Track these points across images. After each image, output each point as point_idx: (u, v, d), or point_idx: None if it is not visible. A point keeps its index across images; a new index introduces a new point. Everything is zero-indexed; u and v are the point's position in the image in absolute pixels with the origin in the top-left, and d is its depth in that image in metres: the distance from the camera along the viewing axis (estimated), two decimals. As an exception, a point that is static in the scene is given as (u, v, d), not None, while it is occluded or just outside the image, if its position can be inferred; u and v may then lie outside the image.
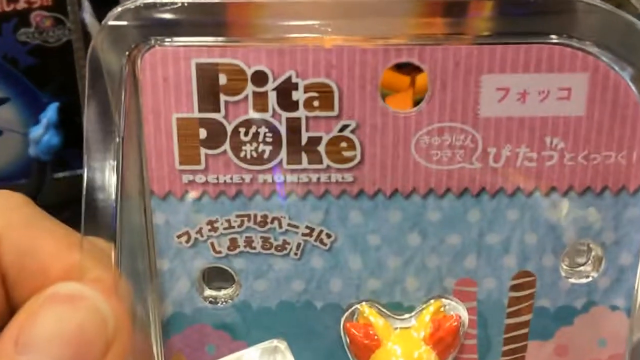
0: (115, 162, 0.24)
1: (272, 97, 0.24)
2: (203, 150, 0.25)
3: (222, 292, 0.27)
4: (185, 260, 0.26)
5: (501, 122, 0.24)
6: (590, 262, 0.27)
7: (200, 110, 0.24)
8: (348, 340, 0.26)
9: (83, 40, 0.53)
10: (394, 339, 0.26)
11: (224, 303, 0.27)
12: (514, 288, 0.26)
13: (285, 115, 0.24)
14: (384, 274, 0.26)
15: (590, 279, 0.26)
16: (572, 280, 0.26)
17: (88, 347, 0.21)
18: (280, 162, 0.25)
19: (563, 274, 0.26)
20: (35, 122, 0.52)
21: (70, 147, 0.53)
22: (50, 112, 0.52)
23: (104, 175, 0.24)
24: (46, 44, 0.51)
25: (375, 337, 0.26)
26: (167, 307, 0.27)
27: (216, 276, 0.27)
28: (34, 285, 0.22)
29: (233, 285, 0.27)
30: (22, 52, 0.51)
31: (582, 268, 0.27)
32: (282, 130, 0.24)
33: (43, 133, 0.51)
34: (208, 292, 0.27)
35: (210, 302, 0.27)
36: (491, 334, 0.27)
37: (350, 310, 0.26)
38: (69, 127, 0.53)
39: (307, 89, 0.24)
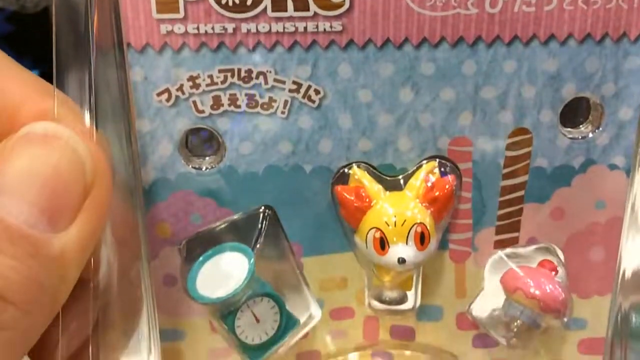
0: (86, 13, 0.23)
1: None
2: (182, -3, 0.23)
3: (207, 158, 0.25)
4: (166, 120, 0.24)
5: (498, -38, 0.23)
6: (589, 119, 0.26)
7: (177, -49, 0.22)
8: (339, 204, 0.25)
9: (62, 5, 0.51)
10: (386, 199, 0.25)
11: (209, 168, 0.25)
12: (510, 147, 0.25)
13: (268, -45, 0.23)
14: (375, 134, 0.24)
15: (589, 135, 0.25)
16: (570, 138, 0.25)
17: (65, 190, 0.20)
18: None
19: (561, 130, 0.25)
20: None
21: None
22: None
23: (75, 28, 0.23)
24: (24, 10, 0.48)
25: (367, 200, 0.25)
26: (149, 173, 0.25)
27: (200, 143, 0.26)
28: (0, 129, 0.21)
29: (218, 150, 0.25)
30: (-1, 18, 0.48)
31: (580, 127, 0.26)
32: (266, -27, 0.23)
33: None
34: (192, 156, 0.25)
35: (195, 167, 0.25)
36: (486, 197, 0.26)
37: (340, 173, 0.25)
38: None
39: None
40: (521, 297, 0.25)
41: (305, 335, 0.27)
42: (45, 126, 0.20)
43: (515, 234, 0.26)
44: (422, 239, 0.24)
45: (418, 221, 0.24)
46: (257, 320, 0.25)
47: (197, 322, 0.27)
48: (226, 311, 0.24)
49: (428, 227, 0.24)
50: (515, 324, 0.25)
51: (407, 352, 0.27)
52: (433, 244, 0.24)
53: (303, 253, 0.26)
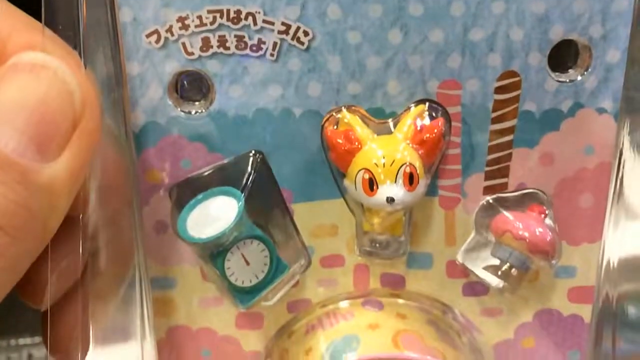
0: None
1: None
2: None
3: (197, 103, 0.25)
4: (155, 63, 0.24)
5: None
6: (577, 63, 0.26)
7: None
8: (328, 148, 0.25)
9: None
10: (375, 141, 0.24)
11: (199, 112, 0.25)
12: (499, 90, 0.25)
13: None
14: (365, 77, 0.24)
15: (577, 78, 0.25)
16: (559, 81, 0.25)
17: (53, 120, 0.20)
18: None
19: (549, 73, 0.25)
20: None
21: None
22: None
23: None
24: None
25: (356, 143, 0.25)
26: (139, 117, 0.25)
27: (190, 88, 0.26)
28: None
29: (208, 94, 0.25)
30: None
31: (569, 71, 0.26)
32: None
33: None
34: (181, 100, 0.25)
35: (184, 111, 0.25)
36: (475, 142, 0.25)
37: (329, 116, 0.25)
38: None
39: None
40: (510, 239, 0.25)
41: (296, 284, 0.27)
42: (33, 56, 0.20)
43: (504, 180, 0.26)
44: (411, 180, 0.24)
45: (407, 162, 0.24)
46: (247, 263, 0.25)
47: (188, 270, 0.27)
48: (216, 251, 0.24)
49: (417, 168, 0.24)
50: (504, 267, 0.25)
51: (400, 301, 0.28)
52: (422, 185, 0.24)
53: (293, 199, 0.26)
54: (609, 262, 0.27)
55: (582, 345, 0.29)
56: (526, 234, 0.25)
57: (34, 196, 0.19)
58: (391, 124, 0.25)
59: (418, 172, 0.24)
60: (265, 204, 0.26)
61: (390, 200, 0.24)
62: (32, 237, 0.19)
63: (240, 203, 0.24)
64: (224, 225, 0.24)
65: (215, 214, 0.24)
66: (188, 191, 0.25)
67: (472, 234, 0.27)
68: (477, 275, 0.26)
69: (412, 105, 0.25)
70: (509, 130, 0.26)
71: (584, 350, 0.29)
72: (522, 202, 0.26)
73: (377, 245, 0.26)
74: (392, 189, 0.24)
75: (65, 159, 0.20)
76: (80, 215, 0.23)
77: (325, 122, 0.25)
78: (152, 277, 0.27)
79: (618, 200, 0.26)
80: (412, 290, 0.28)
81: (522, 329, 0.28)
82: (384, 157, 0.24)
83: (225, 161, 0.25)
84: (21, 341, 0.43)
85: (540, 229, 0.25)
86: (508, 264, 0.25)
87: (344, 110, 0.25)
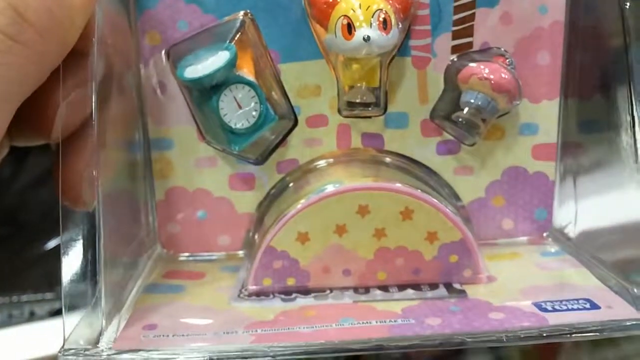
0: None
1: None
2: None
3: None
4: None
5: None
6: None
7: None
8: (309, 5, 0.28)
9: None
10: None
11: (193, -25, 0.28)
12: (460, -49, 0.28)
13: None
14: None
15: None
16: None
17: None
18: None
19: None
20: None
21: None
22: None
23: None
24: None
25: None
26: (139, -22, 0.28)
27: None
28: None
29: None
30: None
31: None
32: None
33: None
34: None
35: (180, -23, 0.28)
36: (442, 2, 0.29)
37: (310, -22, 0.28)
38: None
39: None
40: (475, 81, 0.27)
41: (284, 144, 0.30)
42: None
43: (469, 39, 0.29)
44: (384, 24, 0.26)
45: (381, 7, 0.27)
46: (239, 107, 0.27)
47: (184, 130, 0.29)
48: (210, 89, 0.27)
49: (390, 16, 0.27)
50: (472, 110, 0.28)
51: (386, 159, 0.30)
52: (395, 35, 0.27)
53: (280, 60, 0.29)
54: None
55: (549, 204, 0.31)
56: (491, 76, 0.27)
57: (59, 6, 0.22)
58: (366, -15, 0.28)
59: (392, 20, 0.27)
60: (256, 64, 0.28)
61: (367, 38, 0.26)
62: (56, 41, 0.22)
63: (232, 48, 0.27)
64: (218, 64, 0.26)
65: (210, 62, 0.27)
66: (184, 50, 0.28)
67: (442, 91, 0.29)
68: (447, 129, 0.29)
69: (384, -34, 0.28)
70: (470, -13, 0.29)
71: (551, 209, 0.31)
72: (486, 58, 0.29)
73: (358, 100, 0.29)
74: (368, 31, 0.26)
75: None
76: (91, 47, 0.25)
77: (307, -17, 0.28)
78: (152, 139, 0.30)
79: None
80: (392, 151, 0.30)
81: (492, 187, 0.31)
82: (360, 6, 0.27)
83: (218, 22, 0.28)
84: (24, 298, 0.43)
85: (503, 71, 0.27)
86: (475, 106, 0.28)
87: (323, -31, 0.28)
